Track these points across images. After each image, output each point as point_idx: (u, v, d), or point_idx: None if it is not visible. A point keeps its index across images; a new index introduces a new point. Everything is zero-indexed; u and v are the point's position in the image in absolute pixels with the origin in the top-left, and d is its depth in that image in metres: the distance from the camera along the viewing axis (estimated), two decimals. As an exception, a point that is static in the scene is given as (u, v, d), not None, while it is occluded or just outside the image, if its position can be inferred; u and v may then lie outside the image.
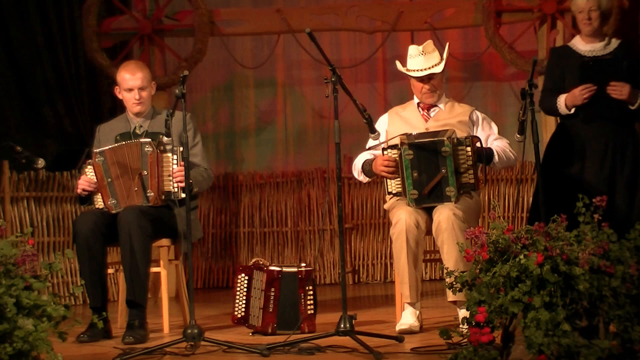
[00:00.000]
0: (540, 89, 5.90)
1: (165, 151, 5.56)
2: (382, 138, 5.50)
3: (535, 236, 4.07)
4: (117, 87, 5.81)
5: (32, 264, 4.05)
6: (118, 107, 5.88)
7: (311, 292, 5.51)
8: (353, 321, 4.76)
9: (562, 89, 5.75)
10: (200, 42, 8.49)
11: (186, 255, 5.08)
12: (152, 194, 5.54)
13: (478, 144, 5.37)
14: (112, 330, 5.59)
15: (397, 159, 5.39)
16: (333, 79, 4.89)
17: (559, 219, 4.15)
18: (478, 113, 5.65)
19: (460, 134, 5.42)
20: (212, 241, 9.02)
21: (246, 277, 5.54)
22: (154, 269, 5.64)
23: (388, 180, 5.45)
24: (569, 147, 5.72)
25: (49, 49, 8.78)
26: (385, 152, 5.45)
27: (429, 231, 5.39)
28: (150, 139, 5.58)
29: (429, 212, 5.37)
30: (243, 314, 5.52)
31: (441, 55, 5.54)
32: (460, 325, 4.22)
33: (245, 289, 5.52)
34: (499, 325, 4.05)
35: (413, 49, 5.56)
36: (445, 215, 5.22)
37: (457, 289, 4.22)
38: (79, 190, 5.65)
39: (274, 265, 5.58)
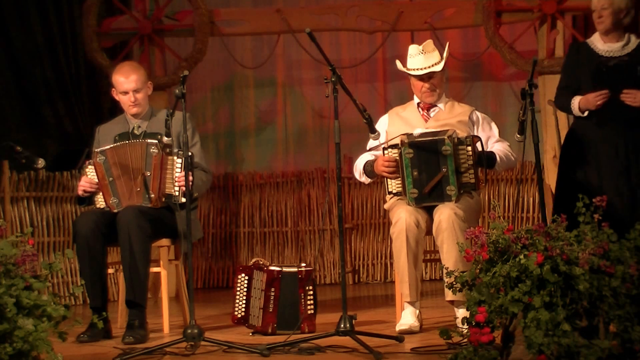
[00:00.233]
0: (544, 89, 5.89)
1: (170, 154, 5.55)
2: (382, 138, 5.51)
3: (535, 236, 4.07)
4: (113, 89, 5.81)
5: (32, 264, 4.05)
6: (118, 107, 5.87)
7: (311, 292, 5.51)
8: (353, 321, 4.76)
9: (578, 87, 5.73)
10: (200, 42, 8.49)
11: (186, 255, 5.08)
12: (154, 195, 5.54)
13: (478, 144, 5.37)
14: (112, 330, 5.59)
15: (397, 158, 5.39)
16: (333, 79, 4.89)
17: (559, 219, 4.15)
18: (478, 113, 5.65)
19: (461, 134, 5.43)
20: (212, 241, 9.02)
21: (246, 277, 5.54)
22: (154, 269, 5.64)
23: (388, 180, 5.45)
24: (583, 151, 5.69)
25: (49, 49, 8.78)
26: (385, 152, 5.45)
27: (428, 231, 5.39)
28: (156, 140, 5.57)
29: (429, 211, 5.37)
30: (243, 314, 5.52)
31: (441, 54, 5.54)
32: (459, 326, 4.22)
33: (245, 289, 5.52)
34: (499, 325, 4.05)
35: (413, 49, 5.56)
36: (446, 214, 5.22)
37: (457, 289, 4.22)
38: (80, 191, 5.64)
39: (274, 265, 5.58)
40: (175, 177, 5.52)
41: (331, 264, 8.91)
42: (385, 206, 5.61)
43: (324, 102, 7.91)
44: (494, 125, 5.66)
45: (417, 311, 5.36)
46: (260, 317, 5.49)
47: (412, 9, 8.52)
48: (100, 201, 5.62)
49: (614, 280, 3.98)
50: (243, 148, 9.51)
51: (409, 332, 5.21)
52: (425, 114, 5.62)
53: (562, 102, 5.80)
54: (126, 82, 5.71)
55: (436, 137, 5.35)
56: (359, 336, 4.72)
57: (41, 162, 5.76)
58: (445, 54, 5.53)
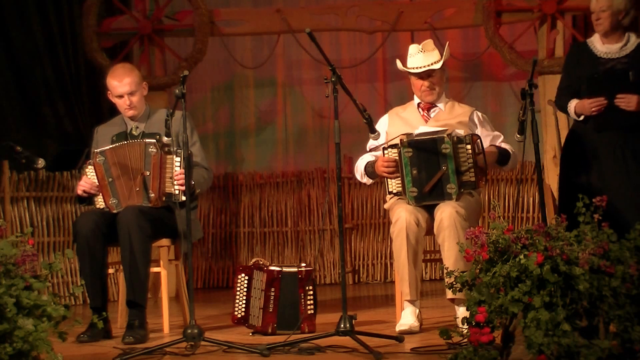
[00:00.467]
0: (543, 89, 5.89)
1: (169, 153, 5.55)
2: (383, 139, 5.51)
3: (535, 236, 4.07)
4: (109, 92, 5.79)
5: (32, 264, 4.05)
6: (117, 107, 5.86)
7: (311, 292, 5.51)
8: (353, 321, 4.76)
9: (579, 87, 5.71)
10: (200, 42, 8.49)
11: (186, 255, 5.08)
12: (154, 195, 5.54)
13: (478, 142, 5.37)
14: (112, 330, 5.59)
15: (397, 158, 5.40)
16: (333, 79, 4.89)
17: (559, 219, 4.16)
18: (479, 114, 5.65)
19: (460, 132, 5.43)
20: (212, 241, 9.02)
21: (246, 277, 5.54)
22: (154, 269, 5.64)
23: (389, 180, 5.45)
24: (584, 152, 5.67)
25: (49, 49, 8.77)
26: (385, 152, 5.45)
27: (428, 231, 5.39)
28: (154, 140, 5.57)
29: (429, 211, 5.38)
30: (243, 314, 5.52)
31: (441, 54, 5.55)
32: (460, 325, 4.22)
33: (245, 289, 5.52)
34: (499, 325, 4.05)
35: (413, 48, 5.57)
36: (447, 212, 5.22)
37: (457, 288, 4.22)
38: (79, 192, 5.64)
39: (274, 265, 5.58)
40: (175, 173, 5.51)
41: (331, 264, 8.91)
42: (385, 206, 5.61)
43: (324, 102, 7.92)
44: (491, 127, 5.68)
45: (417, 310, 5.36)
46: (260, 317, 5.49)
47: (412, 9, 8.52)
48: (99, 201, 5.62)
49: (614, 280, 3.98)
50: (243, 148, 9.51)
51: (409, 332, 5.21)
52: (425, 114, 5.62)
53: (561, 103, 5.79)
54: (120, 85, 5.69)
55: (435, 136, 5.35)
56: (359, 336, 4.72)
57: (41, 162, 5.76)
58: (445, 53, 5.53)
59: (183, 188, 5.42)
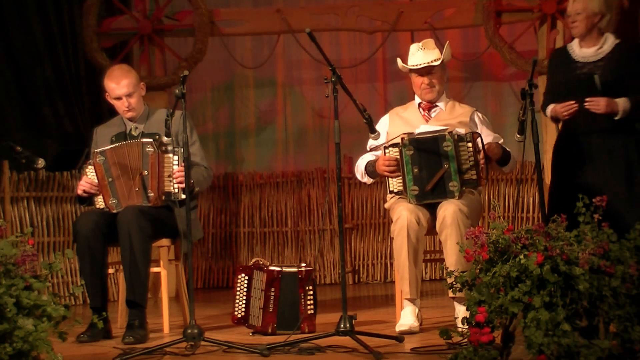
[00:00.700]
0: (542, 90, 5.89)
1: (166, 152, 5.55)
2: (383, 139, 5.51)
3: (535, 236, 4.07)
4: (107, 93, 5.79)
5: (32, 264, 4.05)
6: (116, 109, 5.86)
7: (311, 292, 5.51)
8: (353, 321, 4.76)
9: (558, 92, 5.71)
10: (200, 42, 8.49)
11: (186, 255, 5.08)
12: (153, 194, 5.54)
13: (479, 141, 5.37)
14: (112, 330, 5.59)
15: (398, 157, 5.40)
16: (333, 79, 4.89)
17: (559, 219, 4.16)
18: (479, 114, 5.65)
19: (461, 131, 5.42)
20: (212, 241, 9.02)
21: (246, 277, 5.54)
22: (154, 269, 5.64)
23: (389, 179, 5.45)
24: (572, 160, 5.66)
25: (49, 49, 8.77)
26: (386, 151, 5.45)
27: (429, 230, 5.39)
28: (151, 139, 5.57)
29: (430, 210, 5.38)
30: (243, 314, 5.52)
31: (441, 52, 5.55)
32: (460, 325, 4.22)
33: (245, 289, 5.52)
34: (499, 325, 4.05)
35: (413, 47, 5.58)
36: (450, 210, 5.22)
37: (457, 288, 4.22)
38: (79, 192, 5.64)
39: (274, 265, 5.58)
40: (173, 170, 5.51)
41: (331, 264, 8.91)
42: (386, 205, 5.61)
43: (324, 102, 7.92)
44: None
45: (417, 310, 5.35)
46: (260, 317, 5.49)
47: (412, 9, 8.52)
48: (99, 201, 5.62)
49: (614, 280, 3.98)
50: (243, 148, 9.51)
51: (409, 332, 5.21)
52: (426, 114, 5.62)
53: (543, 108, 5.80)
54: (117, 88, 5.69)
55: (437, 134, 5.35)
56: (359, 336, 4.72)
57: (41, 162, 5.76)
58: (445, 52, 5.53)
59: (182, 186, 5.42)
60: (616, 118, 5.47)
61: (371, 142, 5.58)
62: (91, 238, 5.45)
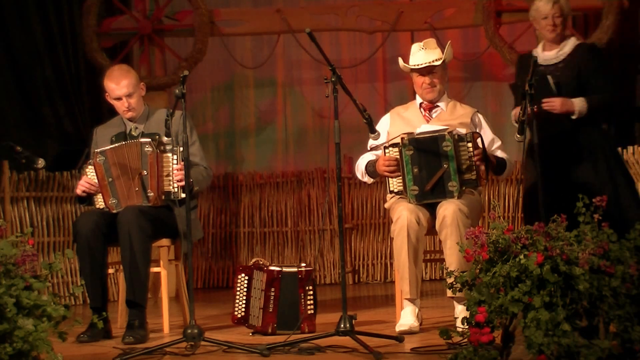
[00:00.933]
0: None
1: (165, 151, 5.55)
2: (384, 138, 5.50)
3: (535, 236, 4.07)
4: (107, 93, 5.79)
5: (32, 264, 4.05)
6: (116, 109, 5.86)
7: (311, 292, 5.51)
8: (353, 321, 4.76)
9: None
10: (200, 42, 8.50)
11: (186, 255, 5.08)
12: (152, 194, 5.54)
13: (479, 141, 5.37)
14: (112, 330, 5.59)
15: (397, 157, 5.40)
16: (333, 79, 4.89)
17: (559, 219, 4.16)
18: (480, 116, 5.64)
19: (461, 131, 5.42)
20: (212, 241, 9.02)
21: (246, 277, 5.54)
22: (154, 269, 5.64)
23: (390, 179, 5.45)
24: (544, 160, 5.66)
25: (49, 49, 8.78)
26: (386, 151, 5.45)
27: (429, 230, 5.39)
28: (150, 139, 5.57)
29: (430, 210, 5.38)
30: (243, 314, 5.52)
31: (443, 53, 5.55)
32: (458, 324, 4.22)
33: (245, 289, 5.52)
34: (499, 325, 4.05)
35: (415, 47, 5.58)
36: (450, 210, 5.22)
37: (457, 289, 4.22)
38: (78, 191, 5.64)
39: (274, 265, 5.58)
40: (173, 169, 5.51)
41: (331, 264, 8.91)
42: (386, 205, 5.61)
43: (324, 102, 7.91)
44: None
45: (417, 310, 5.35)
46: (260, 317, 5.49)
47: (412, 9, 8.53)
48: (99, 201, 5.62)
49: (614, 280, 3.98)
50: (243, 148, 9.52)
51: (409, 332, 5.21)
52: (427, 114, 5.62)
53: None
54: (117, 88, 5.68)
55: (436, 134, 5.35)
56: (359, 336, 4.72)
57: (41, 162, 5.76)
58: (446, 51, 5.53)
59: (182, 184, 5.42)
60: (573, 117, 5.52)
61: (372, 142, 5.58)
62: (91, 238, 5.45)
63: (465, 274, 4.16)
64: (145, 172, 5.55)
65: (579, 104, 5.55)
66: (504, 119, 8.79)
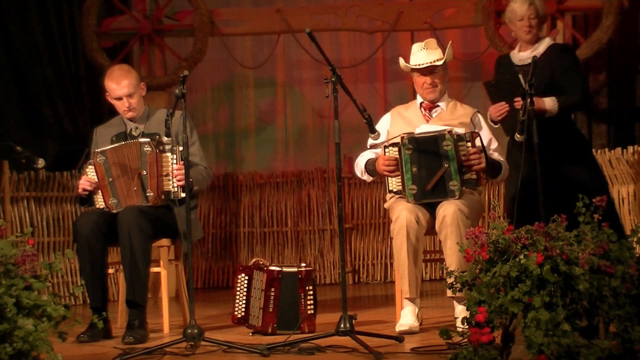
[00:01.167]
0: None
1: (164, 151, 5.56)
2: (383, 137, 5.51)
3: (535, 236, 4.07)
4: (107, 93, 5.79)
5: (32, 264, 4.05)
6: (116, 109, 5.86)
7: (311, 292, 5.51)
8: (353, 321, 4.76)
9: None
10: (200, 42, 8.50)
11: (186, 255, 5.08)
12: (152, 194, 5.54)
13: (477, 140, 5.38)
14: (112, 330, 5.59)
15: (397, 157, 5.40)
16: (333, 79, 4.89)
17: (559, 219, 4.16)
18: (480, 116, 5.64)
19: (460, 131, 5.42)
20: (212, 241, 9.02)
21: (246, 277, 5.54)
22: (154, 269, 5.64)
23: (389, 178, 5.45)
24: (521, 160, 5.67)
25: (49, 49, 8.78)
26: (386, 151, 5.45)
27: (429, 230, 5.39)
28: (149, 139, 5.58)
29: (430, 210, 5.38)
30: (243, 314, 5.52)
31: (444, 53, 5.55)
32: (458, 324, 4.22)
33: (245, 289, 5.52)
34: (499, 325, 4.05)
35: (416, 46, 5.58)
36: (450, 210, 5.22)
37: (457, 289, 4.22)
38: (79, 191, 5.64)
39: (274, 265, 5.58)
40: (172, 169, 5.51)
41: (331, 264, 8.91)
42: (385, 205, 5.61)
43: (324, 102, 7.91)
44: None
45: (417, 309, 5.35)
46: (260, 317, 5.49)
47: (412, 9, 8.53)
48: (99, 201, 5.62)
49: (614, 280, 3.98)
50: (243, 148, 9.52)
51: (409, 332, 5.21)
52: (427, 114, 5.62)
53: None
54: (118, 88, 5.68)
55: (437, 133, 5.35)
56: (359, 336, 4.72)
57: (41, 162, 5.76)
58: (447, 52, 5.53)
59: (182, 184, 5.43)
60: (545, 116, 5.54)
61: (372, 141, 5.57)
62: (91, 238, 5.45)
63: (465, 274, 4.16)
64: (144, 172, 5.55)
65: (549, 103, 5.61)
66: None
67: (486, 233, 4.13)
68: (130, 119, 5.76)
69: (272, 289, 5.50)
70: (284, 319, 5.47)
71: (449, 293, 5.09)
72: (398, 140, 5.41)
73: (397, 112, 5.70)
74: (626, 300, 3.98)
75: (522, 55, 5.81)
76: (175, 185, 5.52)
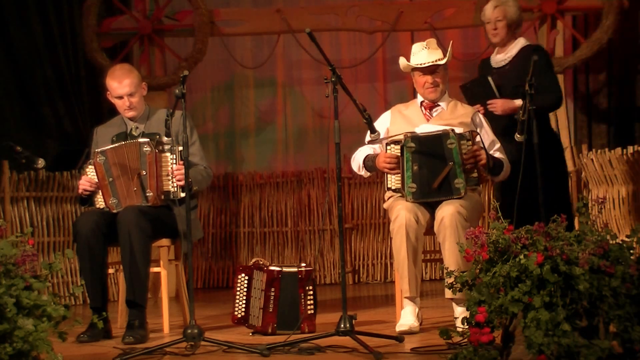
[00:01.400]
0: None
1: (163, 151, 5.56)
2: (382, 135, 5.50)
3: (535, 236, 4.07)
4: (108, 92, 5.79)
5: (32, 264, 4.05)
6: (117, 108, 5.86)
7: (311, 292, 5.51)
8: (353, 321, 4.76)
9: None
10: (200, 42, 8.50)
11: (186, 255, 5.08)
12: (151, 194, 5.54)
13: (478, 138, 5.38)
14: (112, 330, 5.59)
15: (399, 155, 5.39)
16: (333, 79, 4.89)
17: (559, 219, 4.16)
18: (481, 116, 5.65)
19: (460, 130, 5.43)
20: (212, 241, 9.02)
21: (246, 277, 5.54)
22: (154, 269, 5.64)
23: (388, 175, 5.45)
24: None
25: (49, 49, 8.78)
26: (388, 148, 5.45)
27: (428, 230, 5.39)
28: (148, 139, 5.58)
29: (429, 210, 5.37)
30: (243, 314, 5.52)
31: (444, 53, 5.55)
32: (458, 324, 4.22)
33: (245, 289, 5.52)
34: (499, 325, 4.05)
35: (417, 46, 5.58)
36: (449, 212, 5.22)
37: (457, 289, 4.22)
38: (80, 191, 5.65)
39: (274, 265, 5.58)
40: (171, 169, 5.51)
41: (331, 264, 8.91)
42: (385, 205, 5.61)
43: (324, 102, 7.92)
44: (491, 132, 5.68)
45: (417, 309, 5.35)
46: (260, 317, 5.49)
47: (412, 9, 8.53)
48: (100, 201, 5.62)
49: (614, 280, 3.98)
50: (243, 148, 9.52)
51: (409, 332, 5.21)
52: (427, 113, 5.62)
53: None
54: (119, 87, 5.69)
55: (440, 132, 5.36)
56: (359, 336, 4.72)
57: (41, 162, 5.76)
58: (449, 51, 5.53)
59: (181, 184, 5.43)
60: (515, 117, 5.54)
61: (370, 138, 5.56)
62: (91, 238, 5.45)
63: (465, 274, 4.16)
64: (144, 172, 5.55)
65: (520, 104, 5.57)
66: (503, 119, 8.78)
67: (486, 233, 4.13)
68: (131, 119, 5.76)
69: (272, 289, 5.50)
70: (284, 319, 5.47)
71: (449, 294, 5.11)
72: (400, 138, 5.41)
73: (398, 110, 5.70)
74: (626, 300, 3.98)
75: (497, 58, 5.90)
76: (175, 185, 5.52)
